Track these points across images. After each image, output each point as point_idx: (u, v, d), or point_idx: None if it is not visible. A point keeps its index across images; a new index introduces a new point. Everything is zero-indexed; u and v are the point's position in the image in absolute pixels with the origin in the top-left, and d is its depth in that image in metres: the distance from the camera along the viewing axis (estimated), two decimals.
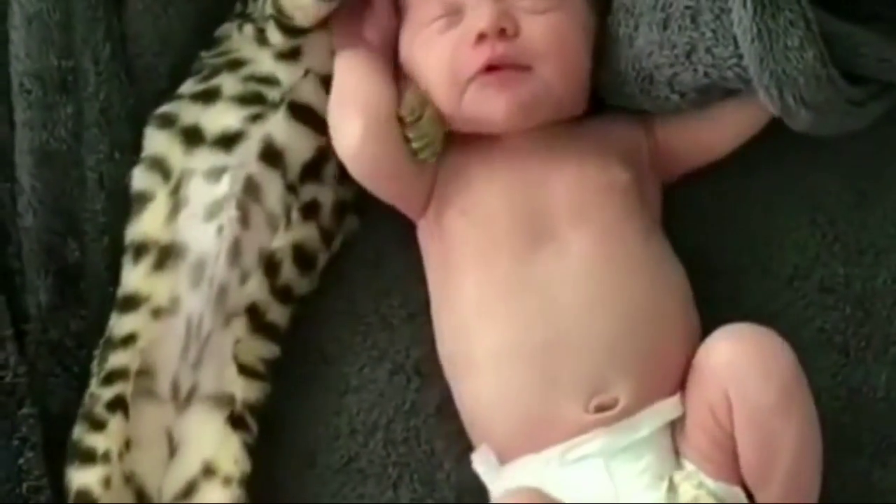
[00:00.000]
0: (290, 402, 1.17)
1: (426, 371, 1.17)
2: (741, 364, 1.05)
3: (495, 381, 1.09)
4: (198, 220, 1.13)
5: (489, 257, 1.11)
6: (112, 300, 1.15)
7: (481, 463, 1.11)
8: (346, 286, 1.19)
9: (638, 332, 1.09)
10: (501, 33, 1.10)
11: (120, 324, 1.13)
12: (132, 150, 1.18)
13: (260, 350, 1.15)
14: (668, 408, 1.08)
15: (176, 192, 1.14)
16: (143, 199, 1.15)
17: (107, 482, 1.09)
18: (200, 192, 1.13)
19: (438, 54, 1.12)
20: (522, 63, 1.11)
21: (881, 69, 1.06)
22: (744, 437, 1.05)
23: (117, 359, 1.12)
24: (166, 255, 1.13)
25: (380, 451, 1.17)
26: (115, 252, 1.16)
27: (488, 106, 1.12)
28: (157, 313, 1.12)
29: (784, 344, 1.06)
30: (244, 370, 1.13)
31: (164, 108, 1.18)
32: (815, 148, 1.10)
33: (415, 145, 1.13)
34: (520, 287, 1.10)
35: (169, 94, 1.20)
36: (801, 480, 1.06)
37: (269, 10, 1.15)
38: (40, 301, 1.16)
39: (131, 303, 1.13)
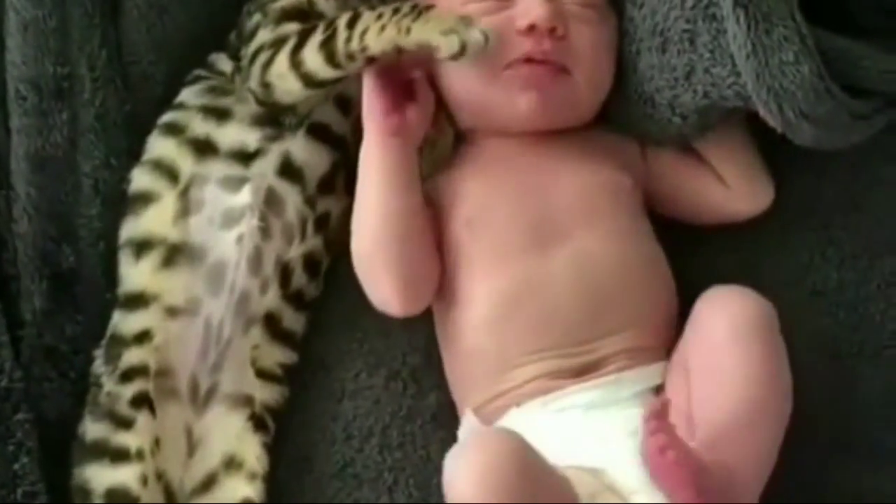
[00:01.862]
0: (287, 408, 1.17)
1: (422, 377, 1.17)
2: (704, 307, 1.09)
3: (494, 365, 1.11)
4: (214, 226, 1.13)
5: (498, 263, 1.12)
6: (108, 305, 1.15)
7: (467, 431, 1.11)
8: (343, 292, 1.19)
9: (640, 322, 1.11)
10: (551, 31, 1.11)
11: (128, 321, 1.13)
12: (128, 157, 1.18)
13: (278, 356, 1.16)
14: (651, 373, 1.10)
15: (185, 195, 1.14)
16: (146, 198, 1.15)
17: (144, 480, 1.09)
18: (216, 199, 1.14)
19: None
20: (562, 64, 1.12)
21: (884, 81, 1.07)
22: (692, 376, 1.07)
23: (132, 356, 1.12)
24: (176, 254, 1.13)
25: (375, 457, 1.17)
26: (111, 257, 1.16)
27: (516, 97, 1.12)
28: (171, 312, 1.12)
29: (758, 300, 1.08)
30: (263, 374, 1.15)
31: (170, 117, 1.18)
32: (808, 152, 1.10)
33: None
34: (533, 291, 1.11)
35: (165, 101, 1.20)
36: (738, 435, 1.04)
37: (252, 83, 1.14)
38: (35, 306, 1.16)
39: (139, 300, 1.13)
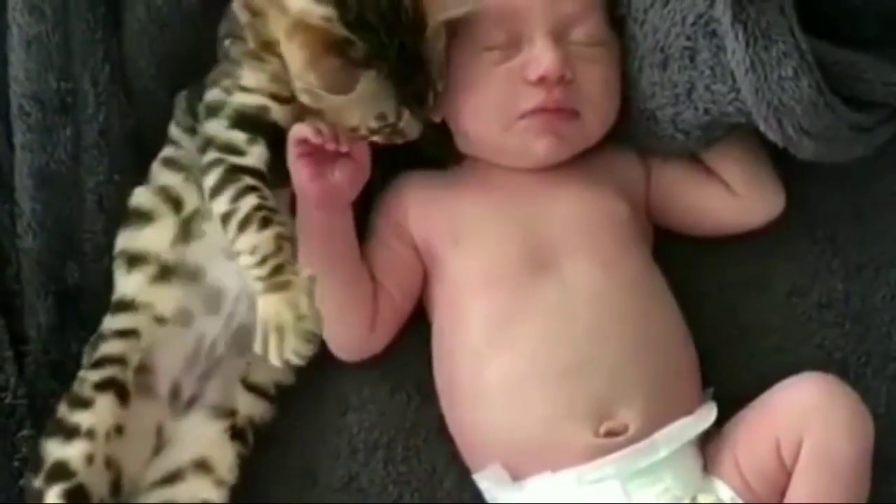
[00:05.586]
0: (291, 421, 1.17)
1: (427, 390, 1.17)
2: (827, 412, 1.07)
3: (504, 410, 1.09)
4: (217, 253, 1.13)
5: (489, 285, 1.12)
6: None
7: (490, 479, 1.10)
8: None
9: (643, 358, 1.09)
10: (560, 79, 1.10)
11: (113, 321, 1.13)
12: (132, 172, 1.18)
13: (276, 374, 1.15)
14: (685, 428, 1.09)
15: (188, 224, 1.14)
16: (146, 216, 1.15)
17: (90, 459, 1.08)
18: (220, 232, 1.11)
19: (491, 86, 1.12)
20: (572, 108, 1.12)
21: (887, 93, 1.07)
22: (806, 479, 1.06)
23: (109, 347, 1.12)
24: (169, 273, 1.13)
25: (380, 471, 1.17)
26: None
27: (531, 144, 1.12)
28: (161, 321, 1.12)
29: (865, 407, 1.09)
30: (254, 389, 1.15)
31: (170, 153, 1.17)
32: (814, 164, 1.10)
33: None
34: (525, 315, 1.10)
35: (168, 115, 1.19)
36: None
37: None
38: (40, 322, 1.16)
39: (129, 306, 1.13)
